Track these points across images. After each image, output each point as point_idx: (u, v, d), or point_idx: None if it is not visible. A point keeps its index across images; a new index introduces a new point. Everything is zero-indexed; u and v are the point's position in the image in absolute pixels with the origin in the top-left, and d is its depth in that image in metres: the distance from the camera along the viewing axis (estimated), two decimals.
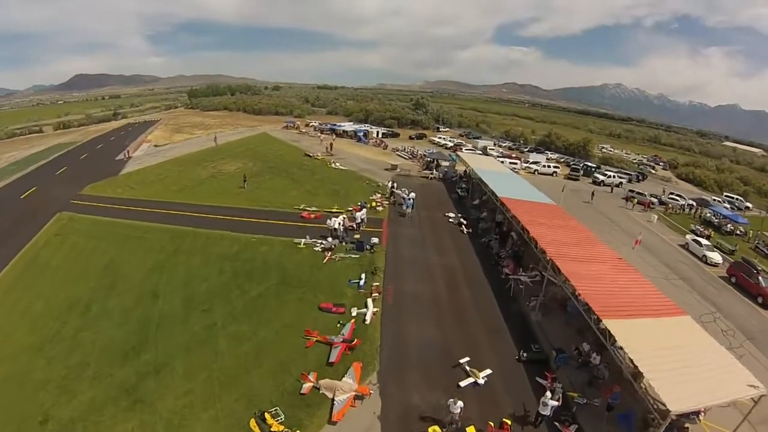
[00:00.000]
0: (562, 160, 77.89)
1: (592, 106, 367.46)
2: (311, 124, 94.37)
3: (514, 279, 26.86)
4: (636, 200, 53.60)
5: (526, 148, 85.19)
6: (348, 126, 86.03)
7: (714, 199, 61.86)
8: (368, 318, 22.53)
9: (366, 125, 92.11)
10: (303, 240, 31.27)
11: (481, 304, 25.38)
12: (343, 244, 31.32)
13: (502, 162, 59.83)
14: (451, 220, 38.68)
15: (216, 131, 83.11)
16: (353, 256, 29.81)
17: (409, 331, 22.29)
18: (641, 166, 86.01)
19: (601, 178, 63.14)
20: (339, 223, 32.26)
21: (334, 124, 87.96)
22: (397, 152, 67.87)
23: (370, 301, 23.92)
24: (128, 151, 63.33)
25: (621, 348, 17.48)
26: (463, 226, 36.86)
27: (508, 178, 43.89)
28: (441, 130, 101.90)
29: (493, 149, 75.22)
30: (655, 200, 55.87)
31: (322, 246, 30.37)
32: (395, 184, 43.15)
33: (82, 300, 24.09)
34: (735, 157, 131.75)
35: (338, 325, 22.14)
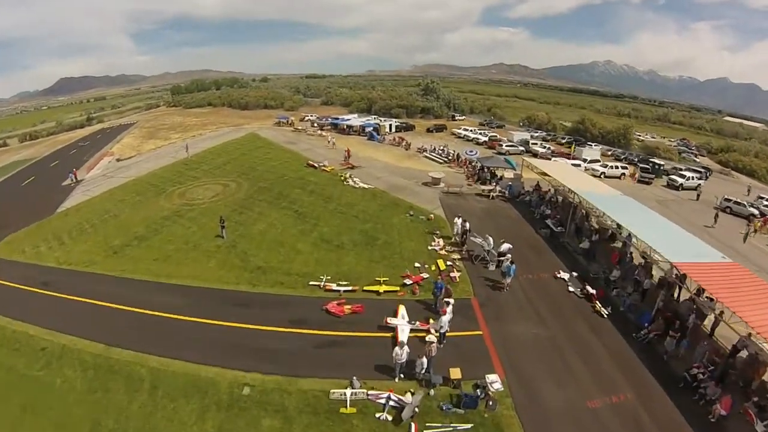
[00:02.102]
0: (609, 152, 61.67)
1: (582, 84, 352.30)
2: (308, 118, 75.48)
3: None
4: (759, 221, 37.98)
5: (564, 139, 68.48)
6: (353, 119, 67.21)
7: None
8: None
9: (372, 117, 74.17)
10: (348, 392, 14.17)
11: None
12: (430, 392, 14.86)
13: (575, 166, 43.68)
14: (570, 288, 22.27)
15: (192, 136, 64.24)
16: (460, 428, 13.48)
17: None
18: (683, 155, 70.46)
19: (680, 180, 47.04)
20: (405, 345, 15.29)
21: (336, 118, 68.79)
22: (425, 154, 50.54)
23: None
24: (75, 175, 44.82)
25: None
26: (597, 303, 20.59)
27: (635, 209, 27.41)
28: (457, 118, 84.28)
29: (535, 143, 58.37)
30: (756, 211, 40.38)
31: (393, 406, 13.81)
32: (467, 224, 25.77)
33: None
34: (747, 134, 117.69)
35: None
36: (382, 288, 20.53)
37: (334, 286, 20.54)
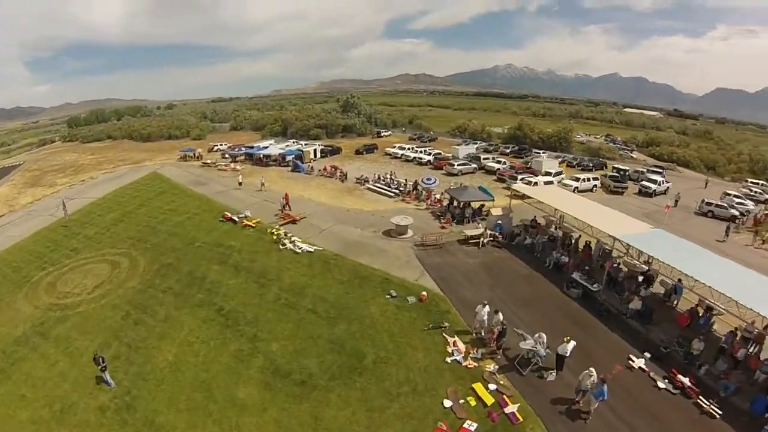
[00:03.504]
0: (560, 159, 59.48)
1: (486, 87, 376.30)
2: (217, 147, 65.08)
3: None
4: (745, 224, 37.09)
5: (508, 148, 65.11)
6: (271, 146, 57.43)
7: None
8: None
9: (291, 141, 65.31)
10: None
11: None
12: None
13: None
14: (660, 384, 15.75)
15: (81, 180, 51.51)
16: None
17: None
18: (620, 153, 71.97)
19: (653, 186, 45.05)
20: None
21: (250, 146, 58.91)
22: (368, 185, 42.58)
23: None
24: None
25: None
26: (701, 399, 14.68)
27: (681, 247, 22.21)
28: (383, 135, 78.18)
29: (487, 158, 53.59)
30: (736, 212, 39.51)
31: None
32: (499, 315, 17.53)
33: None
34: (653, 124, 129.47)
35: None
36: None
37: None
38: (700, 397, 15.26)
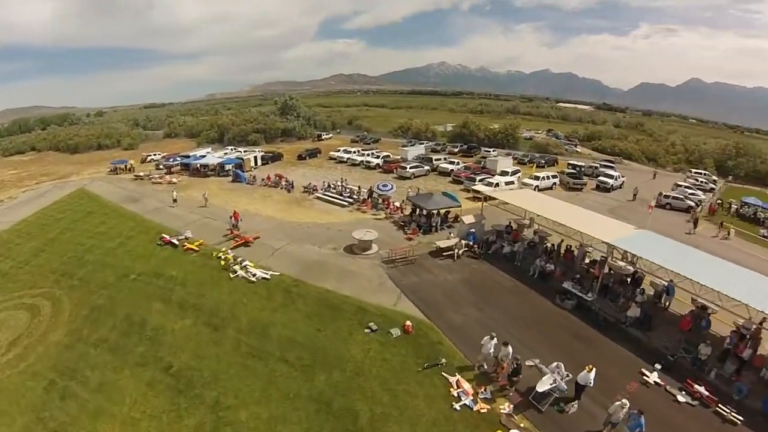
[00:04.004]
0: (513, 156, 59.46)
1: (419, 86, 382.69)
2: (151, 158, 59.47)
3: None
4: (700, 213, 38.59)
5: (456, 147, 64.39)
6: (208, 155, 52.81)
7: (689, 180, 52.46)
8: None
9: (230, 148, 60.78)
10: None
11: None
12: None
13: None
14: (680, 398, 15.19)
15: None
16: None
17: None
18: (566, 148, 74.11)
19: (610, 182, 45.86)
20: None
21: (186, 155, 54.22)
22: (317, 194, 39.35)
23: None
24: None
25: None
26: (721, 407, 14.75)
27: (669, 247, 21.52)
28: (324, 137, 75.03)
29: (439, 159, 52.15)
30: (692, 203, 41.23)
31: None
32: (509, 348, 15.39)
33: None
34: (588, 117, 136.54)
35: None
36: None
37: None
38: (719, 405, 14.86)
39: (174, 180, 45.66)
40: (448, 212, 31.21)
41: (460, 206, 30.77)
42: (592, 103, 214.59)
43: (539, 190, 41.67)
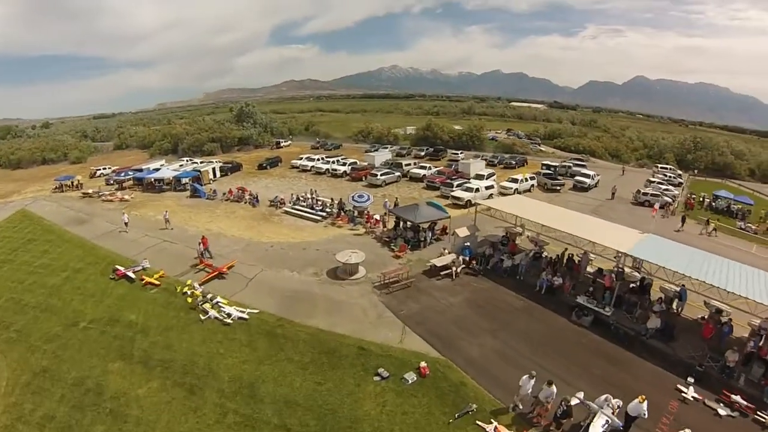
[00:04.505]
0: (482, 158, 58.60)
1: (372, 90, 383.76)
2: (100, 172, 54.27)
3: None
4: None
5: (422, 151, 63.05)
6: (164, 169, 48.55)
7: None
8: None
9: (186, 160, 56.77)
10: None
11: None
12: None
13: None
14: (720, 411, 14.75)
15: None
16: None
17: None
18: (531, 147, 74.69)
19: (587, 181, 45.81)
20: None
21: (139, 169, 49.98)
22: (285, 208, 36.38)
23: None
24: None
25: None
26: (759, 414, 14.47)
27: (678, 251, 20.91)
28: (283, 145, 71.81)
29: (408, 164, 50.32)
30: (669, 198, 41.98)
31: None
32: (552, 388, 13.47)
33: None
34: (543, 116, 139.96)
35: None
36: None
37: None
38: (757, 412, 14.63)
39: (126, 197, 41.54)
40: (435, 224, 29.41)
41: (449, 217, 28.92)
42: (543, 101, 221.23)
43: (518, 193, 40.91)
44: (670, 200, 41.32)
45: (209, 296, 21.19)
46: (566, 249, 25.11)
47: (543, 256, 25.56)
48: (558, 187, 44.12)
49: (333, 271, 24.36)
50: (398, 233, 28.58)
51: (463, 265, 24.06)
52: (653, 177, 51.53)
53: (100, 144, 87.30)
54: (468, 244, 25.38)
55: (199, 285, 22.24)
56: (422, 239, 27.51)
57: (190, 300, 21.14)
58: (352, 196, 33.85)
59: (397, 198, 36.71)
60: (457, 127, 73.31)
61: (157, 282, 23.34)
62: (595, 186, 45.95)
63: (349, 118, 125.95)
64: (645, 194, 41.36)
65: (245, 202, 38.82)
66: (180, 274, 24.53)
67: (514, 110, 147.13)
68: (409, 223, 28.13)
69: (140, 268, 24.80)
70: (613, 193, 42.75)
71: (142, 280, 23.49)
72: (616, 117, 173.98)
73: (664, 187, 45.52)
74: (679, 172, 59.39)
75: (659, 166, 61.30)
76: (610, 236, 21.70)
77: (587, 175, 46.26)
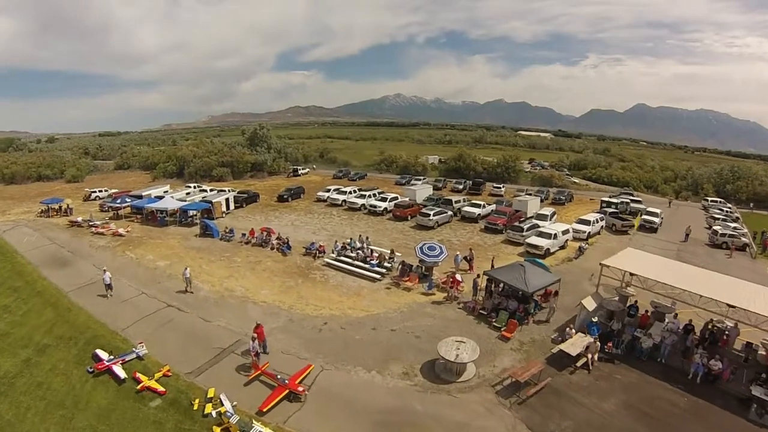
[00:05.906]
0: (527, 191, 52.92)
1: (375, 117, 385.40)
2: (95, 195, 48.67)
3: None
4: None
5: (461, 184, 57.38)
6: (167, 197, 40.03)
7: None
8: None
9: (192, 185, 49.95)
10: None
11: None
12: None
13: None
14: None
15: None
16: None
17: None
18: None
19: (657, 221, 40.00)
20: None
21: (138, 195, 42.18)
22: (322, 257, 29.11)
23: None
24: None
25: None
26: None
27: None
28: (300, 173, 66.08)
29: (458, 201, 43.96)
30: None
31: None
32: None
33: None
34: (556, 145, 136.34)
35: None
36: None
37: None
38: None
39: (121, 230, 33.88)
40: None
41: (559, 280, 22.78)
42: (546, 130, 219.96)
43: (590, 237, 35.26)
44: (748, 241, 36.13)
45: (248, 423, 13.25)
46: (711, 321, 19.38)
47: (691, 330, 19.57)
48: (627, 229, 38.40)
49: (428, 368, 17.22)
50: (495, 303, 22.18)
51: (606, 353, 17.96)
52: (710, 212, 46.74)
53: (100, 162, 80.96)
54: (595, 320, 19.41)
55: (260, 413, 14.22)
56: (530, 312, 21.28)
57: (217, 429, 13.29)
58: (420, 248, 26.23)
59: (471, 249, 29.78)
60: (488, 159, 67.99)
61: (160, 388, 15.21)
62: (660, 226, 40.39)
63: (359, 146, 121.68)
64: (723, 235, 35.89)
65: (272, 248, 31.26)
66: (196, 370, 16.61)
67: (525, 139, 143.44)
68: (514, 290, 21.58)
69: (134, 356, 16.99)
70: (687, 234, 37.26)
71: (137, 381, 15.53)
72: (622, 145, 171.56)
73: (733, 225, 40.32)
74: (729, 206, 54.46)
75: (709, 199, 56.32)
76: (760, 300, 16.41)
77: (655, 214, 40.54)
